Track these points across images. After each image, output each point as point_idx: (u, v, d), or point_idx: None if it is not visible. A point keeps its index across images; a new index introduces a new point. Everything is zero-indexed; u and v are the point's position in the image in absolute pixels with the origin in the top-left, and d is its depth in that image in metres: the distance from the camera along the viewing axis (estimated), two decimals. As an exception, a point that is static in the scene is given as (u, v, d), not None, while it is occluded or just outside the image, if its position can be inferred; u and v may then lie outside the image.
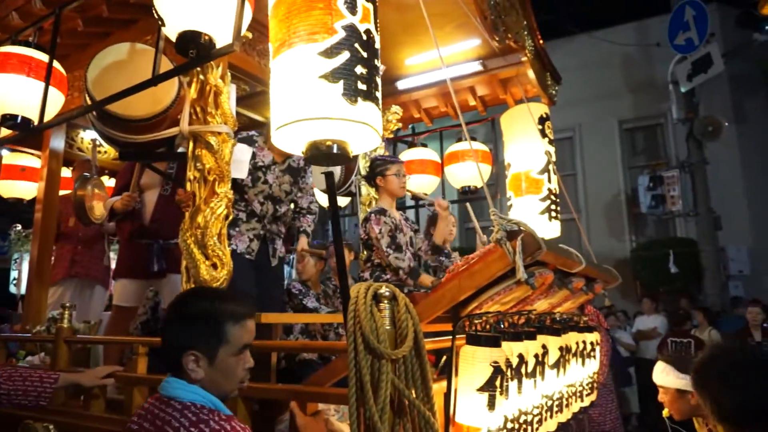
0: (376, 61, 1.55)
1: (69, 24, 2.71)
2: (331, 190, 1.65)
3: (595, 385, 2.94)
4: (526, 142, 3.50)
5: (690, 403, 2.20)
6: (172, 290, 2.85)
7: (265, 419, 1.90)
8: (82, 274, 3.52)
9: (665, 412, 2.38)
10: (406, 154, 4.09)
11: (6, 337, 2.99)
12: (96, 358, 3.08)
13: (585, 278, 2.61)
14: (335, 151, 1.50)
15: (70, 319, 2.66)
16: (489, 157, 3.93)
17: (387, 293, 1.54)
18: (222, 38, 1.91)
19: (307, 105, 1.44)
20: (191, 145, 2.35)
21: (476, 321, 1.71)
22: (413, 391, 1.52)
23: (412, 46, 3.56)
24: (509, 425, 1.64)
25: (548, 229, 3.45)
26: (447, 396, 1.57)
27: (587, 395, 2.78)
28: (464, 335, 1.59)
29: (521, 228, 1.54)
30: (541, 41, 3.38)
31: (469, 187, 3.89)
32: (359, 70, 1.47)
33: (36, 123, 2.50)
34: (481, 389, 1.51)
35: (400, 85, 3.87)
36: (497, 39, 2.73)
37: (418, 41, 3.51)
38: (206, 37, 1.86)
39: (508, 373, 1.66)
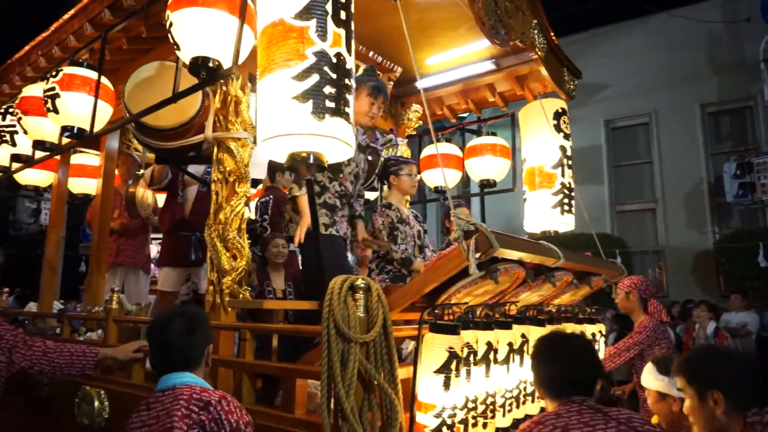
0: (347, 80, 1.76)
1: (115, 43, 3.08)
2: (311, 195, 1.88)
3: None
4: (540, 137, 3.57)
5: (671, 408, 2.18)
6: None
7: (267, 392, 2.18)
8: (126, 262, 3.97)
9: (654, 419, 2.34)
10: (430, 149, 4.25)
11: (69, 315, 3.47)
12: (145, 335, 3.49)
13: (582, 273, 2.72)
14: (311, 161, 1.74)
15: (119, 301, 3.07)
16: (508, 152, 4.01)
17: (362, 285, 1.77)
18: (229, 60, 2.17)
19: (282, 122, 1.67)
20: (215, 149, 2.64)
21: (445, 311, 1.90)
22: (381, 371, 1.74)
23: (430, 47, 3.70)
24: (470, 405, 1.82)
25: (561, 222, 3.52)
26: (413, 377, 1.78)
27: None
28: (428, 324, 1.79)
29: (477, 228, 1.70)
30: (554, 38, 3.43)
31: (488, 180, 4.00)
32: (328, 90, 1.68)
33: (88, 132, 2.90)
34: (438, 371, 1.70)
35: (421, 84, 4.03)
36: (498, 42, 2.83)
37: (434, 42, 3.66)
38: (215, 62, 2.12)
39: (471, 359, 1.84)
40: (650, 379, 2.25)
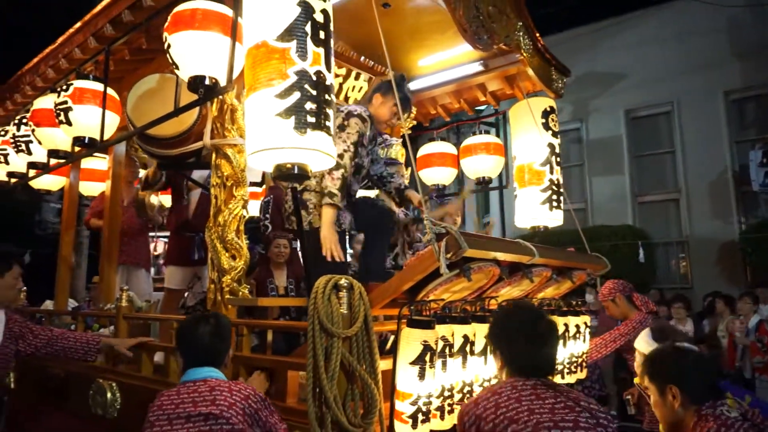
0: (327, 95, 1.90)
1: (118, 55, 3.24)
2: (296, 202, 2.04)
3: (582, 363, 3.15)
4: (529, 135, 3.69)
5: None
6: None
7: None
8: (129, 261, 4.18)
9: (636, 380, 2.49)
10: (425, 148, 4.38)
11: (82, 313, 3.68)
12: (155, 329, 3.68)
13: (562, 268, 2.85)
14: (296, 171, 1.89)
15: (129, 299, 3.26)
16: (501, 150, 4.12)
17: (345, 284, 1.92)
18: (224, 76, 2.32)
19: (268, 137, 1.83)
20: (213, 156, 2.80)
21: (424, 306, 2.05)
22: (363, 363, 1.90)
23: (421, 49, 3.83)
24: (446, 393, 1.97)
25: (550, 218, 3.63)
26: (393, 368, 1.93)
27: (570, 373, 3.02)
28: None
29: (447, 231, 1.85)
30: (540, 40, 3.53)
31: (483, 177, 4.13)
32: (309, 106, 1.83)
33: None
34: (413, 363, 1.85)
35: (414, 85, 4.15)
36: (480, 47, 2.95)
37: (425, 45, 3.79)
38: (212, 80, 2.27)
39: (447, 351, 1.99)
40: (643, 343, 2.40)
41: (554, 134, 3.73)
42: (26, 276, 2.76)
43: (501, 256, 2.11)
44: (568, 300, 3.18)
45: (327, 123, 1.88)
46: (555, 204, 3.64)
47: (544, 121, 3.71)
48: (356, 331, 1.88)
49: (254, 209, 3.95)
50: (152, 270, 4.72)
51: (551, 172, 3.66)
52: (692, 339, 2.44)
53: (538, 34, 3.50)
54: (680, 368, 1.75)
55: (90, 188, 4.59)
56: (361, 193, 4.18)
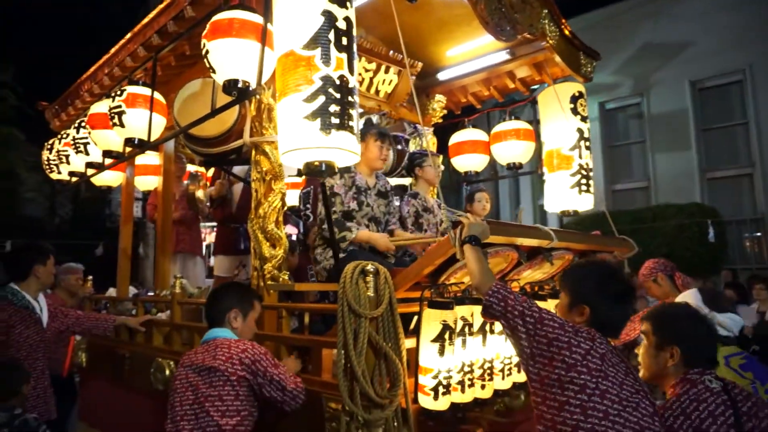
0: (350, 97, 2.06)
1: (165, 61, 3.51)
2: (325, 197, 2.22)
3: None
4: (557, 121, 3.73)
5: None
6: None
7: (302, 359, 2.57)
8: (186, 250, 4.51)
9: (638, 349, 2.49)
10: (457, 136, 4.48)
11: (141, 299, 4.03)
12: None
13: (586, 251, 2.93)
14: (323, 168, 2.07)
15: (182, 286, 3.57)
16: (532, 135, 4.18)
17: (372, 269, 2.10)
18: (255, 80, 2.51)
19: (297, 138, 2.01)
20: (253, 152, 3.02)
21: (446, 289, 2.20)
22: (388, 341, 2.08)
23: (449, 40, 3.93)
24: (466, 369, 2.13)
25: (579, 202, 3.68)
26: (417, 346, 2.10)
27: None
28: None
29: (462, 219, 1.99)
30: (567, 26, 3.56)
31: (514, 163, 4.20)
32: (333, 108, 2.00)
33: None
34: (434, 341, 2.02)
35: (444, 75, 4.25)
36: (503, 38, 3.03)
37: (453, 36, 3.88)
38: (245, 83, 2.48)
39: (467, 330, 2.15)
40: (691, 302, 2.27)
41: (583, 119, 3.77)
42: (99, 265, 3.32)
43: (516, 241, 2.23)
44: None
45: (350, 123, 2.05)
46: (584, 188, 3.69)
47: (572, 106, 3.75)
48: (382, 312, 2.06)
49: (294, 199, 4.20)
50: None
51: (580, 157, 3.70)
52: (736, 312, 2.33)
53: (564, 20, 3.53)
54: (690, 333, 1.76)
55: (145, 183, 4.92)
56: (395, 181, 4.37)
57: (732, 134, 10.33)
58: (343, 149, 2.02)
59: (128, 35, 3.54)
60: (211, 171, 4.92)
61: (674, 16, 10.44)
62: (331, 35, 2.05)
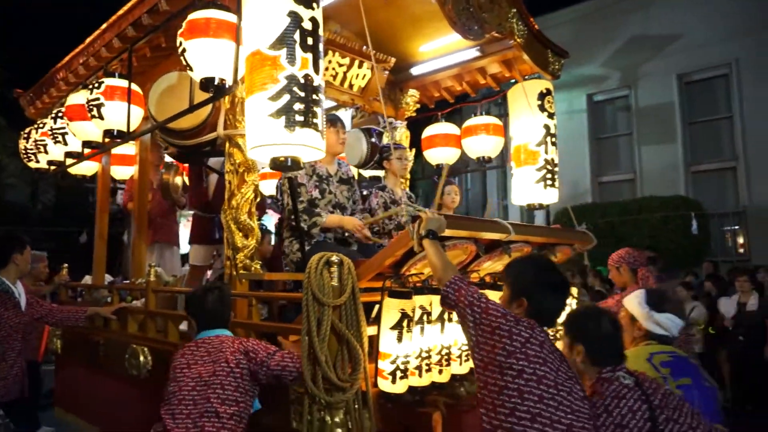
0: (315, 95, 2.15)
1: (140, 52, 3.54)
2: (291, 188, 2.32)
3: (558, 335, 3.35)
4: (525, 117, 3.86)
5: (633, 334, 2.32)
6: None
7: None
8: (163, 240, 4.57)
9: None
10: (430, 129, 4.59)
11: (116, 287, 4.10)
12: (182, 301, 4.07)
13: (544, 244, 3.07)
14: (289, 163, 2.17)
15: (157, 274, 3.64)
16: (501, 130, 4.30)
17: (336, 260, 2.21)
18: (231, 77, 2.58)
19: (263, 135, 2.11)
20: (227, 145, 3.09)
21: (407, 279, 2.32)
22: (350, 328, 2.20)
23: (422, 36, 4.02)
24: (424, 354, 2.26)
25: (544, 196, 3.82)
26: (378, 333, 2.22)
27: (556, 341, 3.26)
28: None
29: (421, 214, 2.10)
30: (535, 24, 3.68)
31: (483, 157, 4.32)
32: (297, 106, 2.09)
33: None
34: (392, 328, 2.14)
35: (416, 70, 4.35)
36: (471, 37, 3.13)
37: (426, 32, 3.97)
38: (221, 81, 2.54)
39: (425, 319, 2.27)
40: (634, 303, 2.35)
41: (550, 115, 3.89)
42: (82, 253, 3.41)
43: (474, 234, 2.35)
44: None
45: (315, 120, 2.14)
46: (549, 183, 3.82)
47: (540, 102, 3.87)
48: (345, 301, 2.17)
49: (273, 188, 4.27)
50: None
51: (546, 152, 3.83)
52: (683, 310, 2.40)
53: (532, 19, 3.64)
54: (589, 331, 1.85)
55: (121, 172, 4.96)
56: (370, 173, 4.46)
57: (717, 128, 10.48)
58: (308, 146, 2.12)
59: (103, 26, 3.57)
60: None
61: (662, 9, 10.51)
62: (297, 35, 2.13)
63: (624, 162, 11.54)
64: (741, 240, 9.94)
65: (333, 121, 3.13)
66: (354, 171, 3.71)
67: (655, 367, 2.01)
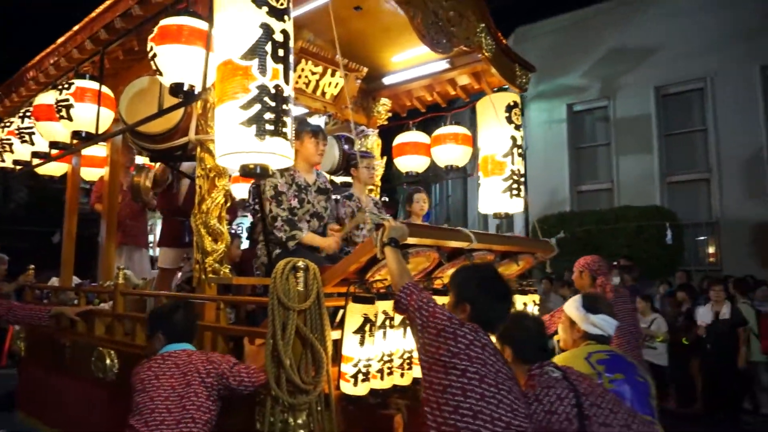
0: (285, 105, 2.22)
1: (113, 54, 3.55)
2: (259, 196, 2.37)
3: None
4: (493, 129, 3.99)
5: (573, 336, 2.50)
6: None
7: (236, 349, 2.72)
8: (131, 242, 4.56)
9: (557, 337, 2.75)
10: (401, 137, 4.68)
11: (84, 289, 4.07)
12: (151, 303, 4.06)
13: (507, 252, 3.18)
14: (258, 171, 2.23)
15: (126, 277, 3.63)
16: (470, 140, 4.42)
17: (302, 265, 2.27)
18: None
19: (233, 142, 2.16)
20: (198, 150, 3.12)
21: (373, 285, 2.40)
22: (315, 332, 2.26)
23: (394, 46, 4.10)
24: (386, 358, 2.34)
25: (510, 205, 3.95)
26: (341, 337, 2.29)
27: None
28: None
29: (385, 222, 2.18)
30: (503, 39, 3.81)
31: (451, 165, 4.44)
32: (267, 116, 2.15)
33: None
34: (355, 332, 2.21)
35: (388, 80, 4.44)
36: (440, 51, 3.24)
37: (398, 43, 4.05)
38: (191, 87, 2.59)
39: (388, 324, 2.35)
40: (572, 307, 2.51)
41: (516, 127, 4.03)
42: (56, 252, 3.39)
43: (436, 242, 2.44)
44: (519, 281, 3.54)
45: (284, 129, 2.21)
46: (515, 192, 3.95)
47: (507, 115, 4.01)
48: (310, 305, 2.23)
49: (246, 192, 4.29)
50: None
51: (513, 163, 3.97)
52: (612, 312, 2.57)
53: (500, 34, 3.77)
54: (513, 333, 2.05)
55: (91, 173, 4.92)
56: (342, 179, 4.52)
57: (692, 140, 10.67)
58: (277, 154, 2.18)
59: (75, 27, 3.57)
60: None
61: (642, 21, 10.68)
62: (269, 47, 2.20)
63: (602, 172, 11.70)
64: (713, 250, 10.18)
65: (315, 132, 3.18)
66: (327, 177, 3.78)
67: (591, 365, 2.17)
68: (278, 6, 2.25)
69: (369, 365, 2.25)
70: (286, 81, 2.25)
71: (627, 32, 10.87)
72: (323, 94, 4.06)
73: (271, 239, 3.10)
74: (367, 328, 2.22)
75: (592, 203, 11.29)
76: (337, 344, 2.35)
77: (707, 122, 10.24)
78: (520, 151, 4.03)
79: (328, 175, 3.99)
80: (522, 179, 4.02)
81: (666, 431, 2.14)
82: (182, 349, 2.34)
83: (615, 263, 7.79)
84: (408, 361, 2.46)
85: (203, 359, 2.27)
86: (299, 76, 3.85)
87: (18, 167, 4.32)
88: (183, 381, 2.19)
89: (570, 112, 12.02)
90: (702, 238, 10.32)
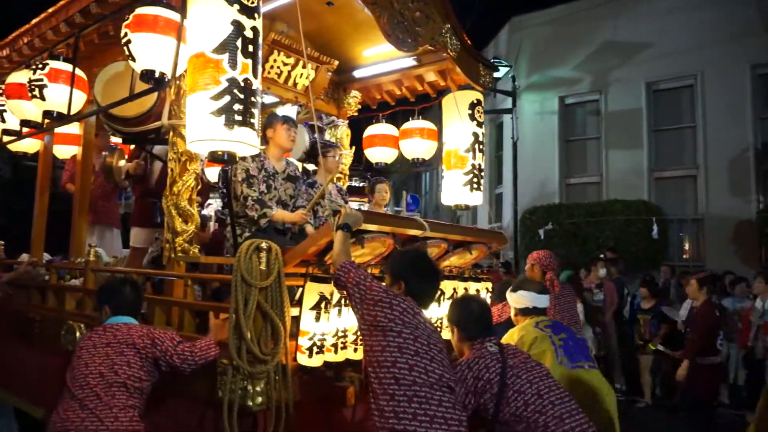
0: (252, 98, 2.39)
1: (88, 38, 3.63)
2: (227, 181, 2.54)
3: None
4: (456, 125, 4.21)
5: (517, 318, 3.14)
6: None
7: (201, 324, 2.89)
8: (103, 222, 4.66)
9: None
10: (370, 129, 4.87)
11: (56, 265, 4.17)
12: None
13: (461, 242, 3.40)
14: (226, 157, 2.40)
15: (97, 254, 3.76)
16: (435, 135, 4.64)
17: (265, 246, 2.45)
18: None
19: (203, 130, 2.32)
20: (170, 134, 3.25)
21: (328, 266, 2.59)
22: (275, 308, 2.45)
23: (365, 41, 4.27)
24: (340, 333, 2.55)
25: (470, 198, 4.19)
26: (299, 313, 2.48)
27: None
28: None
29: (341, 209, 2.38)
30: (467, 39, 4.02)
31: (417, 158, 4.65)
32: (236, 107, 2.32)
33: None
34: (312, 309, 2.41)
35: (360, 72, 4.62)
36: (405, 50, 3.43)
37: (368, 38, 4.22)
38: (162, 74, 2.72)
39: (343, 302, 2.55)
40: (507, 297, 3.21)
41: (479, 124, 4.26)
42: None
43: (390, 229, 2.65)
44: (473, 269, 3.78)
45: (252, 120, 2.38)
46: (475, 186, 4.19)
47: (470, 112, 4.24)
48: (270, 283, 2.42)
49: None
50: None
51: (474, 158, 4.20)
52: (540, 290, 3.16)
53: (465, 35, 3.98)
54: (459, 314, 2.42)
55: (64, 151, 4.97)
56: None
57: (680, 136, 10.76)
58: (245, 143, 2.35)
59: (51, 9, 3.63)
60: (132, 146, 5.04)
61: (634, 16, 10.71)
62: (239, 42, 2.35)
63: (591, 165, 11.69)
64: (697, 246, 10.27)
65: (286, 120, 3.36)
66: (298, 165, 3.95)
67: (541, 330, 2.71)
68: (249, 4, 2.41)
69: (324, 339, 2.46)
70: (255, 75, 2.42)
71: (620, 26, 10.84)
72: (295, 84, 4.21)
73: (239, 222, 3.27)
74: (322, 305, 2.42)
75: (581, 196, 11.35)
76: (296, 320, 2.54)
77: (696, 119, 10.28)
78: (481, 146, 4.26)
79: (299, 163, 4.16)
80: (482, 173, 4.25)
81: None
82: (124, 323, 2.53)
83: (601, 256, 8.03)
84: (360, 337, 2.67)
85: (142, 333, 2.46)
86: (271, 67, 4.00)
87: (-11, 143, 4.37)
88: (118, 350, 2.40)
89: (561, 105, 11.93)
90: (686, 233, 10.43)
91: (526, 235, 10.65)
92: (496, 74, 11.09)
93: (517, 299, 2.98)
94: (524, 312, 2.98)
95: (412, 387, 1.89)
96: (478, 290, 3.64)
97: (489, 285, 3.82)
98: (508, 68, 11.48)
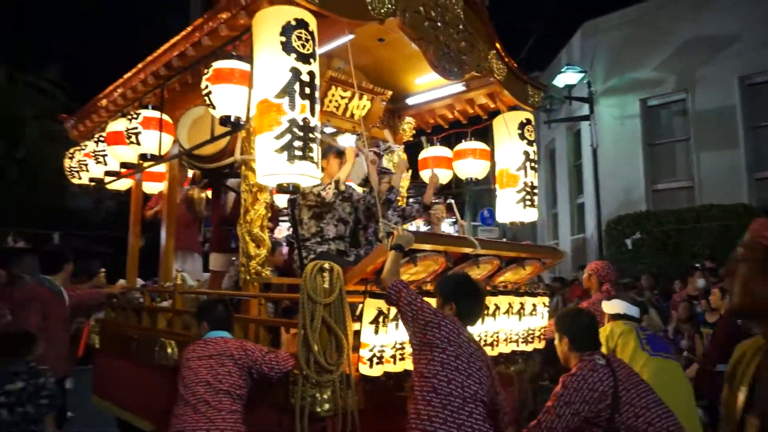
0: (311, 134, 2.68)
1: (171, 86, 4.13)
2: (292, 209, 2.85)
3: (540, 336, 3.83)
4: (507, 144, 4.34)
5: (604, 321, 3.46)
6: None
7: (274, 338, 3.20)
8: (184, 248, 5.16)
9: None
10: (425, 152, 5.09)
11: (148, 289, 4.68)
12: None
13: (514, 258, 3.53)
14: (291, 188, 2.70)
15: (183, 278, 4.20)
16: (487, 155, 4.78)
17: (327, 267, 2.72)
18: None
19: (269, 166, 2.64)
20: (242, 168, 3.63)
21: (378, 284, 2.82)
22: (338, 322, 2.70)
23: (416, 71, 4.53)
24: (398, 345, 2.75)
25: (524, 215, 4.27)
26: (360, 327, 2.72)
27: (526, 342, 3.70)
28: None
29: (395, 230, 2.61)
30: (513, 62, 4.17)
31: (471, 178, 4.81)
32: (296, 143, 2.63)
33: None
34: (371, 323, 2.64)
35: (413, 100, 4.88)
36: (451, 79, 3.64)
37: (419, 68, 4.45)
38: (237, 118, 3.09)
39: (399, 316, 2.76)
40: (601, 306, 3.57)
41: (529, 143, 4.37)
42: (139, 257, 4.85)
43: (442, 248, 2.84)
44: (530, 284, 3.88)
45: (311, 154, 2.67)
46: (528, 203, 4.29)
47: (520, 132, 4.36)
48: (333, 300, 2.68)
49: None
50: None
51: (525, 176, 4.31)
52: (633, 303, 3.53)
53: (509, 59, 4.14)
54: (570, 325, 2.57)
55: (150, 187, 5.58)
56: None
57: (674, 153, 10.37)
58: (305, 175, 2.66)
59: (139, 65, 4.18)
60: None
61: (720, 7, 10.09)
62: (297, 86, 2.67)
63: (680, 169, 10.99)
64: None
65: (340, 154, 3.68)
66: (359, 189, 4.24)
67: (628, 326, 3.20)
68: (305, 52, 2.72)
69: (383, 351, 2.67)
70: (312, 113, 2.72)
71: (701, 21, 10.20)
72: (352, 115, 4.53)
73: (305, 245, 3.57)
74: (380, 319, 2.64)
75: (671, 202, 10.67)
76: (358, 334, 2.78)
77: (689, 132, 9.70)
78: (533, 164, 4.36)
79: (359, 188, 4.44)
80: (535, 191, 4.34)
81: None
82: (220, 336, 2.88)
83: (698, 265, 7.57)
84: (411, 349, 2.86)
85: (237, 346, 2.80)
86: (330, 101, 4.34)
87: (92, 183, 5.00)
88: (219, 361, 2.74)
89: (644, 107, 11.32)
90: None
91: (611, 246, 10.12)
92: (570, 81, 11.11)
93: (611, 306, 3.36)
94: (615, 317, 3.35)
95: (448, 397, 2.15)
96: (534, 305, 3.74)
97: (546, 300, 3.90)
98: (582, 74, 11.13)
